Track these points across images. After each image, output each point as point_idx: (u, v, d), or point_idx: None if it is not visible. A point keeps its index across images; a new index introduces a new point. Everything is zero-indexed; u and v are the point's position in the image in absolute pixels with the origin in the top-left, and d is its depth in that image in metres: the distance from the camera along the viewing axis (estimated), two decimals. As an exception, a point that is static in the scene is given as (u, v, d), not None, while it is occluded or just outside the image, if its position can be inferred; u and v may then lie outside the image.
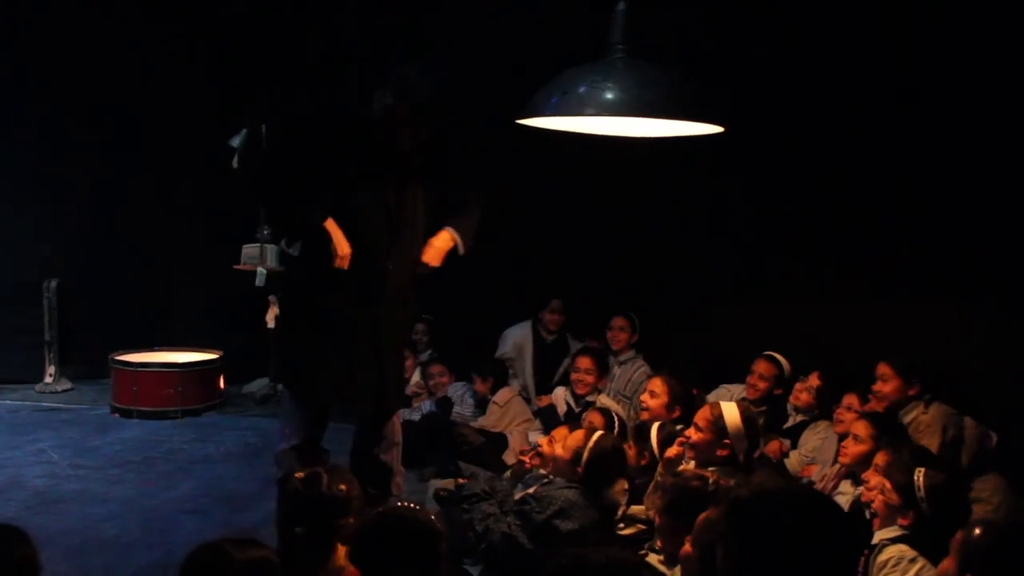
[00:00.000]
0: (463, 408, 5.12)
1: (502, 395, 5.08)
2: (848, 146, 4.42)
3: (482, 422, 4.98)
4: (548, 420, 4.66)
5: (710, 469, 3.07)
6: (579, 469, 3.19)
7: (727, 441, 3.17)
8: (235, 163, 5.78)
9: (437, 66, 3.23)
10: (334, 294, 3.25)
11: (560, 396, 4.78)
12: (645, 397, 4.03)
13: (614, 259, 5.32)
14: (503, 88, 3.83)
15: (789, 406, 4.31)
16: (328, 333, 3.29)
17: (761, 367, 4.41)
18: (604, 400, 4.65)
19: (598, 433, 3.34)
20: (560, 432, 3.57)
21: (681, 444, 3.36)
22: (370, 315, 3.28)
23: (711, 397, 4.52)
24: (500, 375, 5.15)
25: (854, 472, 3.38)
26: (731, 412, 3.21)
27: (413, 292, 3.44)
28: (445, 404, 5.15)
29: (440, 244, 3.35)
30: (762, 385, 4.40)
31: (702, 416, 3.24)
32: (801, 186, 4.60)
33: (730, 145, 3.39)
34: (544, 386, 5.25)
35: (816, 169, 4.54)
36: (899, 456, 2.84)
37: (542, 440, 3.68)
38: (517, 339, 5.38)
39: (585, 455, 3.20)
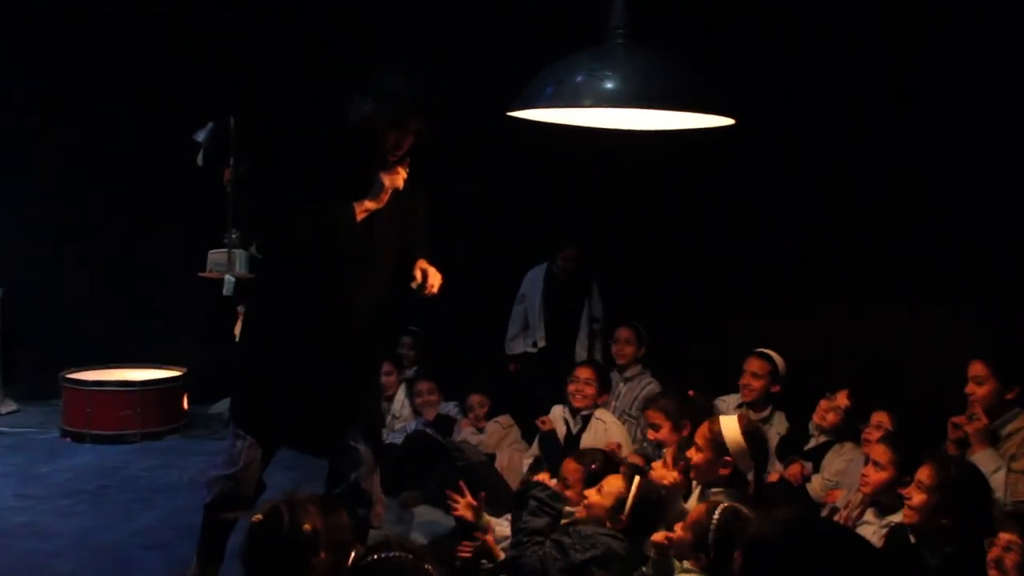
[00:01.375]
0: (455, 431, 5.19)
1: (505, 418, 5.16)
2: (871, 137, 4.47)
3: (481, 439, 5.03)
4: (549, 448, 4.68)
5: (714, 490, 3.15)
6: (623, 516, 3.18)
7: (728, 459, 3.22)
8: (200, 160, 5.89)
9: (419, 70, 3.29)
10: (297, 323, 3.30)
11: (558, 415, 4.83)
12: (650, 433, 4.12)
13: (616, 264, 5.42)
14: (493, 77, 3.92)
15: (811, 425, 4.36)
16: (285, 363, 3.33)
17: (753, 365, 4.48)
18: (604, 416, 4.71)
19: (638, 479, 3.31)
20: (612, 481, 3.46)
21: (682, 468, 3.42)
22: (332, 350, 3.32)
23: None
24: (500, 394, 5.26)
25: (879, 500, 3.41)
26: (730, 426, 3.25)
27: (384, 327, 3.52)
28: (443, 424, 5.20)
29: (434, 268, 3.40)
30: (756, 384, 4.46)
31: (701, 433, 3.29)
32: (827, 183, 4.66)
33: (740, 138, 3.47)
34: (554, 323, 5.53)
35: (844, 164, 4.60)
36: (944, 472, 2.91)
37: (590, 493, 3.49)
38: (530, 276, 5.68)
39: (629, 502, 3.19)
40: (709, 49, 4.48)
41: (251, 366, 3.42)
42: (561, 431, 4.76)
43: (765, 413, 4.52)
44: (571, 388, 4.76)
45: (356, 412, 3.47)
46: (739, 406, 4.57)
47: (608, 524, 3.21)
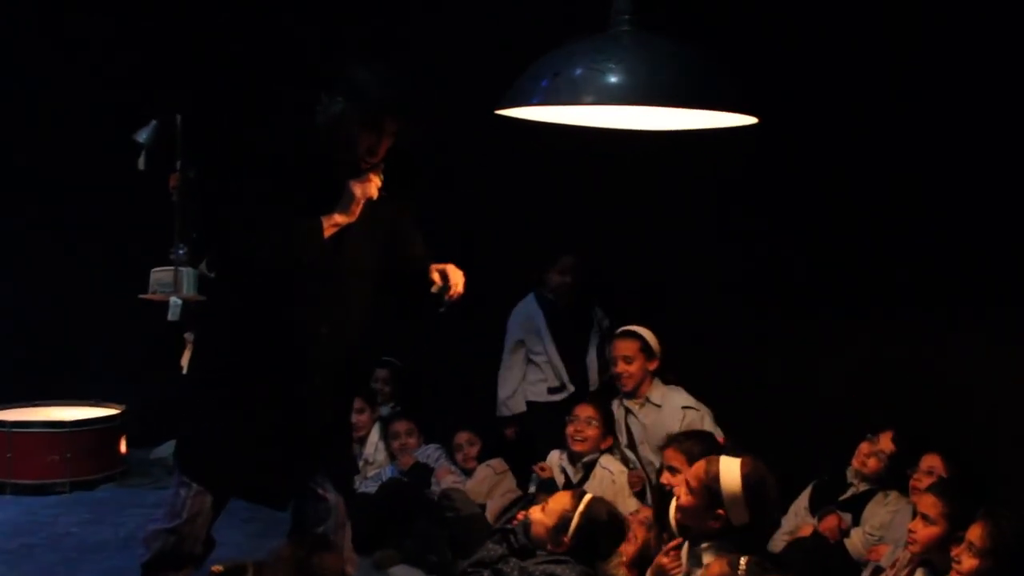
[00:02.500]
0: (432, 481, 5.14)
1: (498, 462, 5.12)
2: (908, 138, 4.44)
3: (468, 487, 5.00)
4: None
5: (703, 546, 3.09)
6: (565, 538, 3.26)
7: (720, 511, 3.14)
8: (141, 164, 5.82)
9: (396, 63, 3.31)
10: (255, 354, 3.30)
11: (555, 462, 4.79)
12: (665, 477, 4.01)
13: (615, 283, 5.36)
14: (481, 70, 3.89)
15: (850, 472, 4.33)
16: (242, 400, 3.32)
17: (618, 347, 4.70)
18: (611, 464, 4.66)
19: (588, 496, 3.38)
20: (554, 497, 3.64)
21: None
22: (295, 387, 3.33)
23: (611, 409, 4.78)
24: (492, 436, 5.21)
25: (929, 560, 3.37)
26: (730, 470, 3.16)
27: (359, 361, 3.55)
28: (419, 472, 5.16)
29: (452, 266, 3.45)
30: (629, 368, 4.68)
31: (695, 473, 3.21)
32: (867, 186, 4.60)
33: (763, 140, 3.44)
34: (574, 361, 5.25)
35: (885, 166, 4.56)
36: (998, 533, 2.86)
37: (534, 510, 3.73)
38: (522, 316, 5.34)
39: (574, 522, 3.28)
40: (727, 38, 4.40)
41: (202, 402, 3.42)
42: (559, 481, 4.70)
43: (649, 393, 4.66)
44: (570, 430, 4.70)
45: (324, 456, 3.47)
46: (619, 401, 4.75)
47: (549, 546, 3.29)
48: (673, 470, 3.98)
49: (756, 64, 4.32)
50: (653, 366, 4.75)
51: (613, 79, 2.68)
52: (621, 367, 4.74)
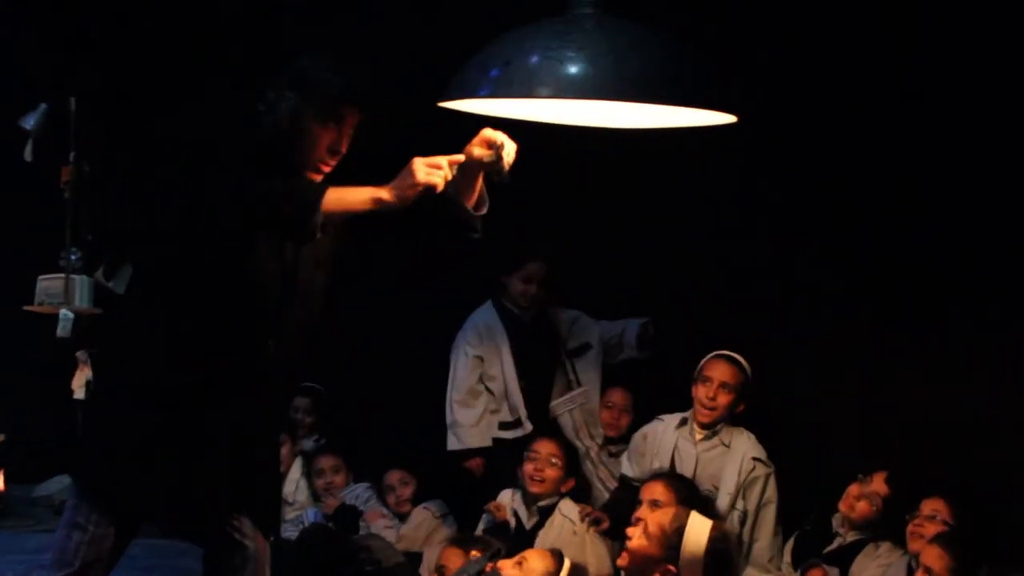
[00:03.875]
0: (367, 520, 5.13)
1: (437, 504, 5.13)
2: (905, 147, 4.51)
3: (401, 533, 5.00)
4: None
5: None
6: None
7: (672, 568, 3.14)
8: (28, 154, 5.78)
9: (347, 56, 3.26)
10: (183, 368, 3.26)
11: (507, 502, 4.78)
12: (642, 512, 4.03)
13: (592, 300, 5.34)
14: (423, 55, 3.89)
15: (836, 519, 4.35)
16: (158, 424, 3.29)
17: (721, 371, 4.56)
18: (571, 511, 4.65)
19: (569, 564, 3.36)
20: (532, 555, 3.63)
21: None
22: (231, 408, 3.31)
23: (646, 431, 4.74)
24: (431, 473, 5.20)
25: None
26: (698, 532, 3.16)
27: (294, 386, 3.49)
28: (346, 515, 5.14)
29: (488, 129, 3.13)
30: (723, 400, 4.54)
31: (657, 520, 3.23)
32: (864, 199, 4.65)
33: (741, 142, 3.47)
34: (536, 391, 5.09)
35: (885, 177, 4.61)
36: None
37: (506, 564, 3.71)
38: (480, 327, 5.14)
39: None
40: (705, 24, 4.48)
41: (109, 423, 3.36)
42: (511, 523, 4.71)
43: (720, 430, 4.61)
44: (528, 468, 4.69)
45: (249, 493, 3.41)
46: (682, 423, 4.68)
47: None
48: (656, 504, 4.03)
49: (738, 55, 4.38)
50: (741, 408, 4.67)
51: (573, 69, 2.70)
52: (715, 393, 4.59)
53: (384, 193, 2.97)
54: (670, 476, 4.40)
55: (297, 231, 3.05)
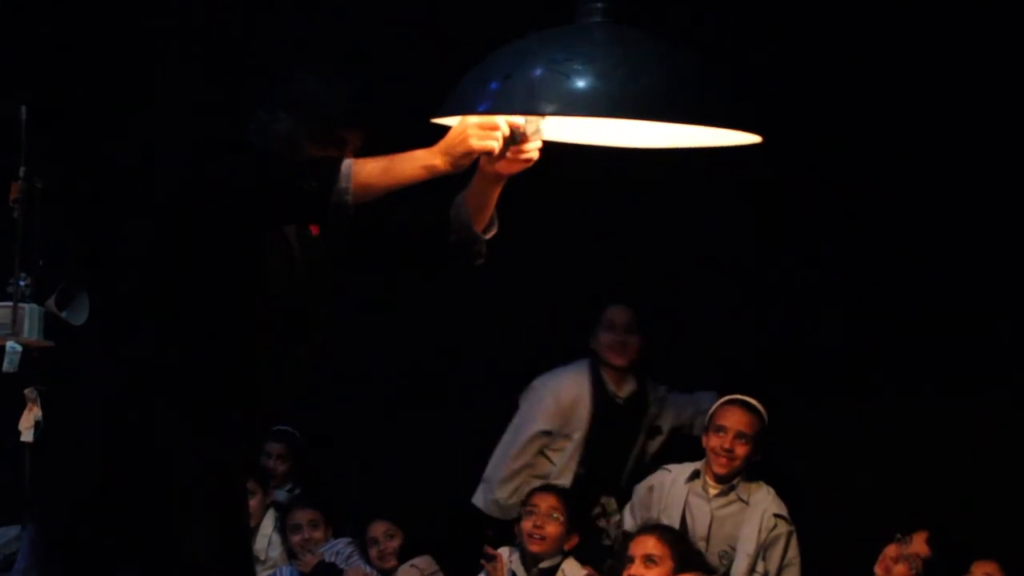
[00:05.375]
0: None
1: (425, 561, 5.14)
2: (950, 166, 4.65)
3: None
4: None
5: None
6: None
7: None
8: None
9: (341, 71, 3.27)
10: (166, 408, 3.24)
11: (504, 560, 4.81)
12: (633, 569, 4.12)
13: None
14: (418, 67, 3.93)
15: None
16: (129, 467, 3.28)
17: (738, 419, 4.58)
18: (574, 571, 4.69)
19: None
20: None
21: None
22: (224, 447, 3.32)
23: (652, 483, 4.79)
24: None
25: None
26: None
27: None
28: (324, 574, 5.16)
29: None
30: (741, 451, 4.57)
31: None
32: (889, 233, 4.79)
33: (768, 164, 3.53)
34: (596, 474, 5.13)
35: (922, 207, 4.73)
36: None
37: None
38: (564, 400, 5.14)
39: None
40: (724, 34, 4.58)
41: (68, 468, 3.35)
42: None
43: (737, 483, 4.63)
44: (526, 525, 4.72)
45: (226, 551, 3.41)
46: (693, 475, 4.70)
47: None
48: (651, 561, 4.10)
49: (760, 69, 4.47)
50: (759, 457, 4.71)
51: (580, 83, 2.70)
52: (731, 444, 4.63)
53: (437, 160, 2.85)
54: (662, 529, 4.43)
55: (325, 212, 2.91)
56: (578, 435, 5.17)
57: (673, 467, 4.84)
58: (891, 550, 4.32)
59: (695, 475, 4.75)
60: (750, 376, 4.99)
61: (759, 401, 4.70)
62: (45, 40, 6.08)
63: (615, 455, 5.25)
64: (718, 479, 4.69)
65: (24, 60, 6.05)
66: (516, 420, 5.29)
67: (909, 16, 4.60)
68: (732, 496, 4.68)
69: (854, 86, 4.76)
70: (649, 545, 4.28)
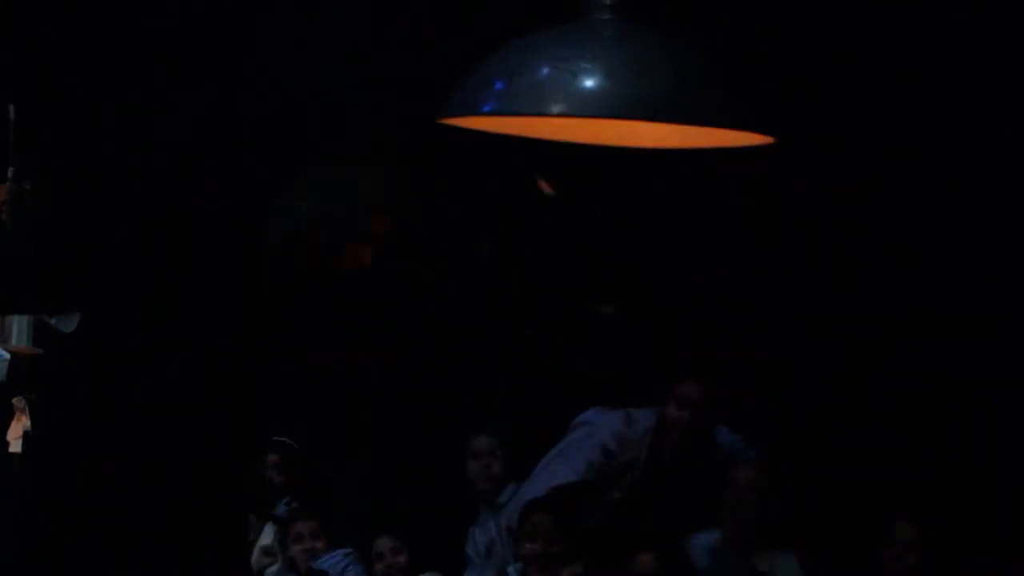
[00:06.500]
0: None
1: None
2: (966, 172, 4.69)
3: None
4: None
5: None
6: None
7: None
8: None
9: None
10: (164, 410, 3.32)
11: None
12: None
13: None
14: (423, 67, 3.92)
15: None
16: (124, 481, 3.31)
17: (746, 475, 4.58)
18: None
19: None
20: None
21: None
22: (222, 450, 3.39)
23: None
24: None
25: None
26: None
27: None
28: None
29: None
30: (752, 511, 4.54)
31: None
32: (912, 242, 4.86)
33: (780, 166, 3.50)
34: None
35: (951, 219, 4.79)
36: None
37: None
38: (613, 439, 4.97)
39: None
40: (737, 32, 4.56)
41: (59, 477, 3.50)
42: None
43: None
44: (525, 548, 4.73)
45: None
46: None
47: None
48: None
49: (774, 66, 4.46)
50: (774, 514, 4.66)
51: (588, 83, 2.72)
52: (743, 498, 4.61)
53: None
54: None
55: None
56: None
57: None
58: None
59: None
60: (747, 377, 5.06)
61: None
62: (44, 40, 6.08)
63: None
64: (732, 543, 4.61)
65: (14, 59, 6.04)
66: (569, 444, 5.11)
67: (907, 16, 4.63)
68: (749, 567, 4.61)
69: (854, 86, 4.80)
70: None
